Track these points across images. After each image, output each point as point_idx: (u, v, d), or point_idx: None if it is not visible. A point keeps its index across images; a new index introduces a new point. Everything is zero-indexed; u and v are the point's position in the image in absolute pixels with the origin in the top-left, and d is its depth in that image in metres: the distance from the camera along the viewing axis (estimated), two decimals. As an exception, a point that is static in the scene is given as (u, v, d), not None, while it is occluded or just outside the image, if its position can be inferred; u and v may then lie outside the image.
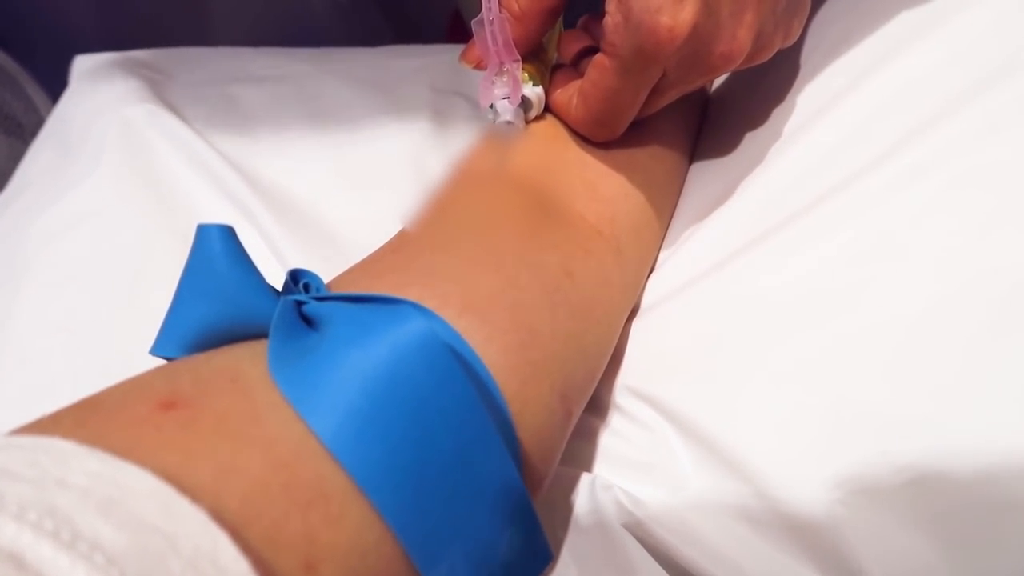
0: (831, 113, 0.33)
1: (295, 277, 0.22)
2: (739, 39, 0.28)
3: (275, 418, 0.17)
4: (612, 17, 0.28)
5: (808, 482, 0.26)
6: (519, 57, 0.32)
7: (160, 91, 0.45)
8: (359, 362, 0.17)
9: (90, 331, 0.34)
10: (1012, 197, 0.27)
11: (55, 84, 0.54)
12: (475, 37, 0.32)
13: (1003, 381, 0.24)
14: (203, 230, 0.19)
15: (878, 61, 0.33)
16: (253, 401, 0.17)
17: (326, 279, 0.26)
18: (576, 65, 0.35)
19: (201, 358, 0.19)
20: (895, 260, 0.28)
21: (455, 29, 0.93)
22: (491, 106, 0.32)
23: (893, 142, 0.30)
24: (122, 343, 0.31)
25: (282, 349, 0.18)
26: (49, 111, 0.53)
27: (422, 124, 0.41)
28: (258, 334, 0.19)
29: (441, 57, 0.48)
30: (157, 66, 0.51)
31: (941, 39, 0.32)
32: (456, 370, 0.18)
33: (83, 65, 0.50)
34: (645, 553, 0.28)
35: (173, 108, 0.44)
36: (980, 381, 0.25)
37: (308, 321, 0.20)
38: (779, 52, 0.33)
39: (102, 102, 0.44)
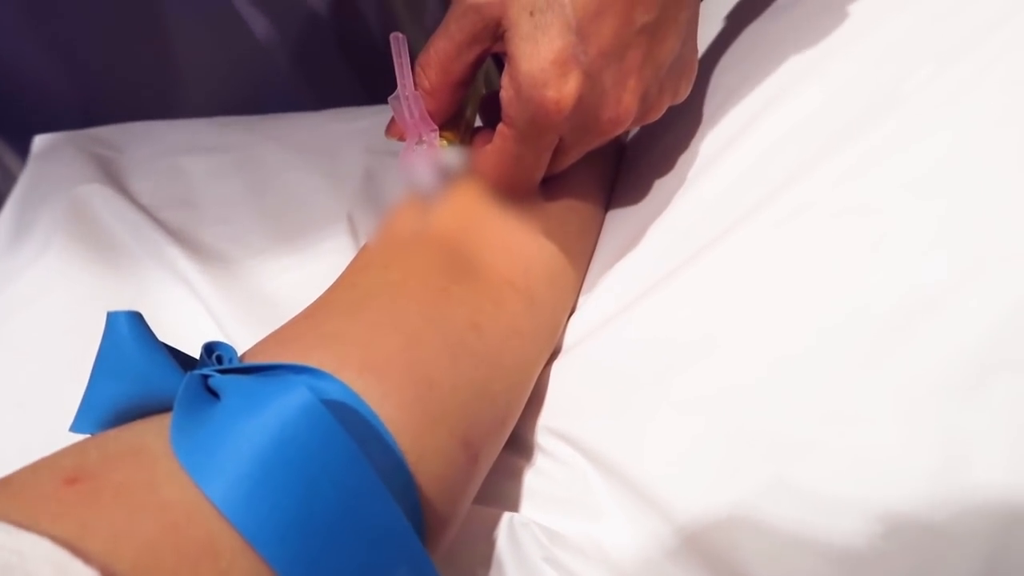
0: (726, 158, 0.35)
1: (209, 349, 0.25)
2: (624, 104, 0.31)
3: (171, 485, 0.19)
4: (506, 91, 0.30)
5: (709, 508, 0.28)
6: (435, 127, 0.34)
7: (110, 168, 0.48)
8: (248, 430, 0.19)
9: (40, 406, 0.36)
10: (887, 229, 0.28)
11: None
12: (393, 112, 0.35)
13: (885, 403, 0.26)
14: (112, 316, 0.22)
15: (766, 106, 0.36)
16: (152, 471, 0.19)
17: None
18: (496, 126, 0.37)
19: (111, 434, 0.21)
20: (782, 295, 0.30)
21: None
22: (413, 171, 0.34)
23: (780, 182, 0.32)
24: (68, 417, 0.33)
25: (183, 421, 0.20)
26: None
27: (356, 186, 0.43)
28: (167, 408, 0.21)
29: (379, 118, 0.51)
30: (111, 142, 0.53)
31: (820, 82, 0.35)
32: (337, 431, 0.20)
33: (40, 145, 0.53)
34: (566, 585, 0.30)
35: (122, 183, 0.46)
36: (865, 405, 0.26)
37: (214, 392, 0.22)
38: (684, 103, 0.35)
39: (54, 182, 0.46)
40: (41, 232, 0.43)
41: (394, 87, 0.34)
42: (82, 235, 0.41)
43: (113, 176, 0.46)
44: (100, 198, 0.43)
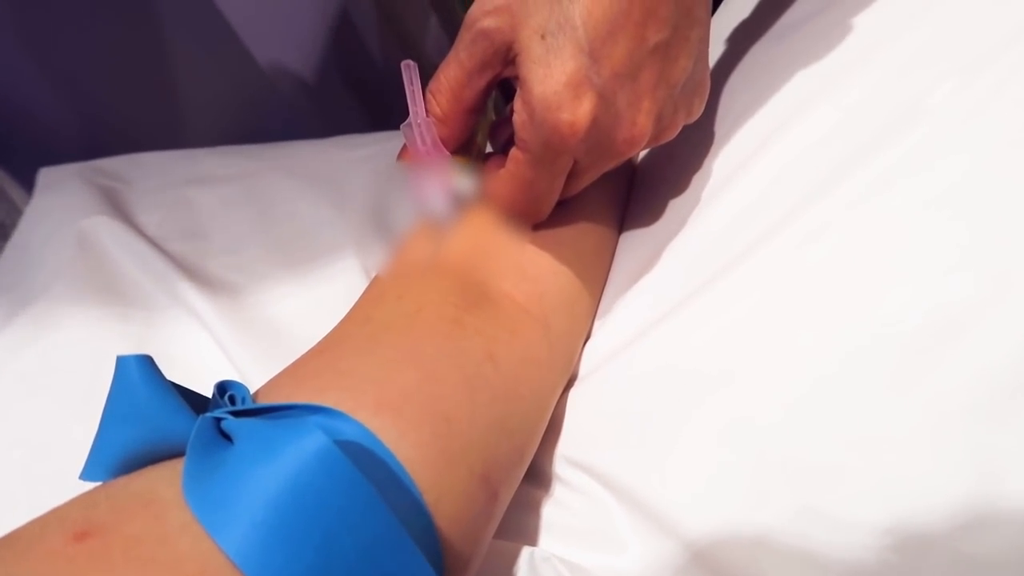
0: (740, 180, 0.35)
1: (222, 389, 0.24)
2: (639, 125, 0.30)
3: (185, 538, 0.18)
4: (519, 115, 0.30)
5: (735, 538, 0.27)
6: (447, 154, 0.34)
7: (117, 199, 0.48)
8: (262, 478, 0.18)
9: (46, 446, 0.35)
10: (904, 250, 0.28)
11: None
12: (405, 139, 0.34)
13: (908, 429, 0.25)
14: (121, 361, 0.21)
15: (779, 127, 0.35)
16: (164, 522, 0.18)
17: (274, 374, 0.28)
18: (506, 152, 0.37)
19: (121, 482, 0.20)
20: (804, 319, 0.29)
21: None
22: (425, 199, 0.34)
23: (797, 202, 0.32)
24: (76, 457, 0.32)
25: (196, 468, 0.19)
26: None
27: (364, 215, 0.43)
28: (180, 452, 0.21)
29: (387, 145, 0.51)
30: (117, 173, 0.53)
31: (834, 103, 0.34)
32: (355, 476, 0.19)
33: (47, 178, 0.53)
34: (588, 621, 0.29)
35: (129, 215, 0.46)
36: (893, 428, 0.25)
37: (227, 435, 0.21)
38: (695, 124, 0.35)
39: (61, 215, 0.46)
40: (49, 265, 0.42)
41: (404, 115, 0.34)
42: (90, 268, 0.41)
43: (120, 208, 0.46)
44: (107, 230, 0.43)
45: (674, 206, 0.38)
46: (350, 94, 0.85)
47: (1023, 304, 0.25)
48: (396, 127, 0.50)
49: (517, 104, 0.30)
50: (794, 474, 0.27)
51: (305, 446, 0.19)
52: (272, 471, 0.19)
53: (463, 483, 0.24)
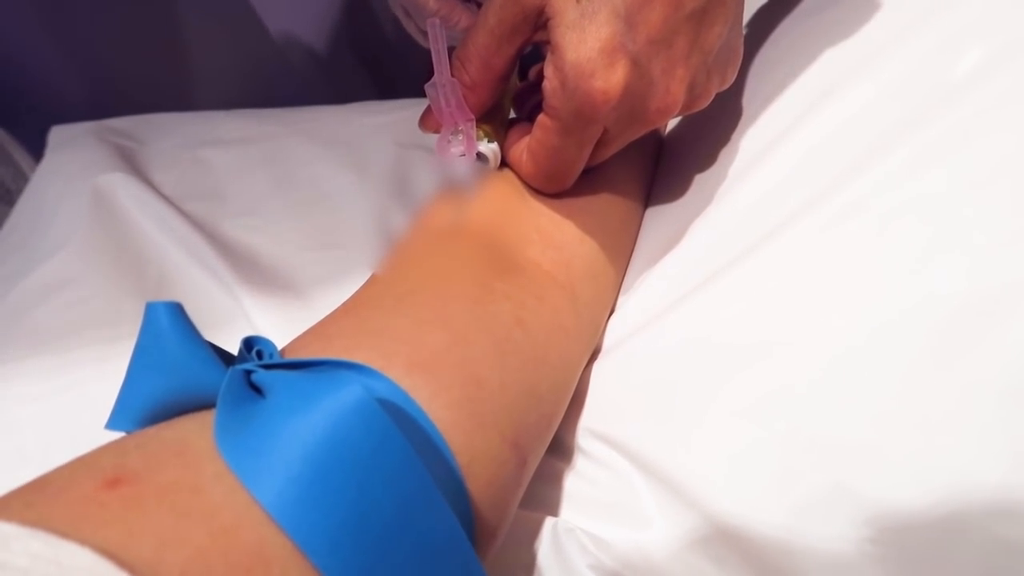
0: (772, 155, 0.34)
1: (248, 344, 0.23)
2: (672, 93, 0.30)
3: (219, 488, 0.18)
4: (550, 82, 0.29)
5: (763, 515, 0.27)
6: (472, 117, 0.33)
7: (132, 158, 0.47)
8: (299, 430, 0.18)
9: (62, 401, 0.34)
10: (946, 227, 0.27)
11: (43, 151, 0.55)
12: (429, 100, 0.34)
13: (946, 408, 0.25)
14: (151, 307, 0.20)
15: (815, 102, 0.34)
16: (198, 472, 0.18)
17: (292, 337, 0.27)
18: (531, 118, 0.36)
19: (151, 432, 0.20)
20: (835, 295, 0.28)
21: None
22: (449, 163, 0.33)
23: (830, 180, 0.31)
24: (93, 412, 0.32)
25: (228, 419, 0.19)
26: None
27: (386, 180, 0.42)
28: (209, 404, 0.20)
29: (406, 112, 0.50)
30: (131, 133, 0.52)
31: (872, 78, 0.33)
32: (392, 432, 0.18)
33: (59, 136, 0.52)
34: (611, 595, 0.29)
35: (145, 174, 0.45)
36: (924, 409, 0.25)
37: (257, 389, 0.21)
38: (725, 95, 0.34)
39: (75, 172, 0.45)
40: (63, 221, 0.42)
41: (411, 87, 0.33)
42: (104, 225, 0.40)
43: (135, 166, 0.45)
44: (123, 188, 0.42)
45: (702, 181, 0.38)
46: (360, 64, 0.84)
47: None
48: (405, 96, 0.49)
49: (548, 70, 0.30)
50: (825, 452, 0.26)
51: (342, 398, 0.18)
52: (308, 422, 0.18)
53: (494, 447, 0.24)
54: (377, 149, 0.45)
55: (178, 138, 0.51)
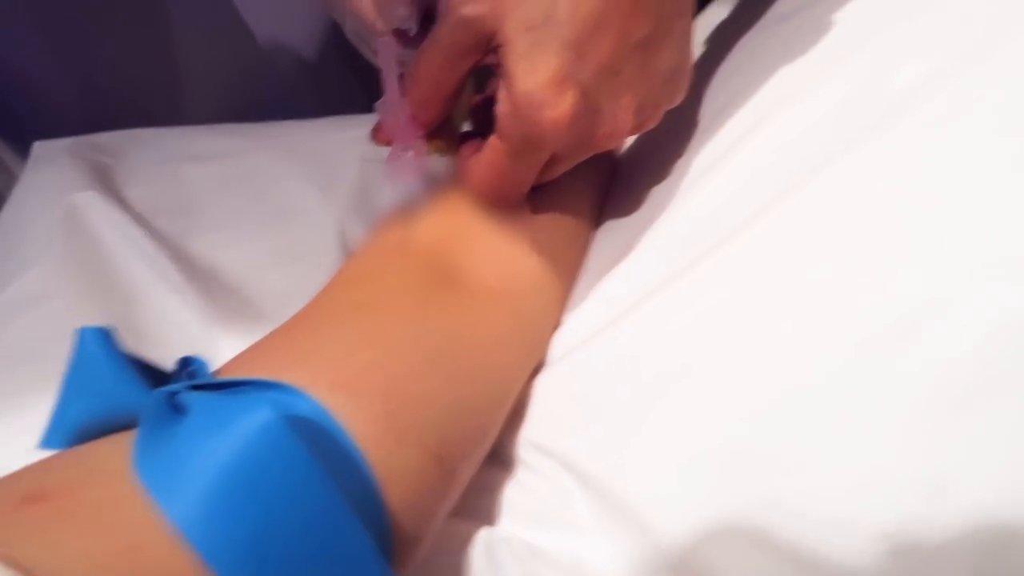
0: (719, 171, 0.35)
1: (184, 364, 0.25)
2: (620, 120, 0.31)
3: (131, 505, 0.19)
4: (502, 105, 0.30)
5: (695, 527, 0.27)
6: (422, 134, 0.34)
7: (109, 175, 0.48)
8: (211, 450, 0.19)
9: (32, 415, 0.36)
10: (887, 241, 0.28)
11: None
12: (380, 118, 0.35)
13: (878, 422, 0.25)
14: (81, 332, 0.22)
15: (762, 119, 0.35)
16: (113, 490, 0.19)
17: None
18: (486, 132, 0.37)
19: (75, 452, 0.21)
20: (772, 311, 0.29)
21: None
22: (399, 178, 0.34)
23: (771, 197, 0.32)
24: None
25: (147, 440, 0.20)
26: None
27: (349, 196, 0.43)
28: (135, 425, 0.22)
29: (377, 126, 0.51)
30: (110, 148, 0.53)
31: (818, 96, 0.34)
32: (300, 451, 0.20)
33: (40, 151, 0.53)
34: (544, 602, 0.30)
35: (120, 191, 0.46)
36: (857, 423, 0.26)
37: (183, 408, 0.22)
38: (679, 111, 0.35)
39: (52, 189, 0.46)
40: (38, 238, 0.43)
41: (380, 94, 0.34)
42: (75, 244, 0.41)
43: (109, 183, 0.46)
44: (94, 206, 0.43)
45: (653, 196, 0.39)
46: (348, 71, 0.85)
47: (985, 299, 0.25)
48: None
49: (501, 94, 0.30)
50: (757, 466, 0.27)
51: (253, 420, 0.19)
52: (220, 443, 0.19)
53: (416, 461, 0.25)
54: (343, 164, 0.46)
55: (156, 153, 0.53)
